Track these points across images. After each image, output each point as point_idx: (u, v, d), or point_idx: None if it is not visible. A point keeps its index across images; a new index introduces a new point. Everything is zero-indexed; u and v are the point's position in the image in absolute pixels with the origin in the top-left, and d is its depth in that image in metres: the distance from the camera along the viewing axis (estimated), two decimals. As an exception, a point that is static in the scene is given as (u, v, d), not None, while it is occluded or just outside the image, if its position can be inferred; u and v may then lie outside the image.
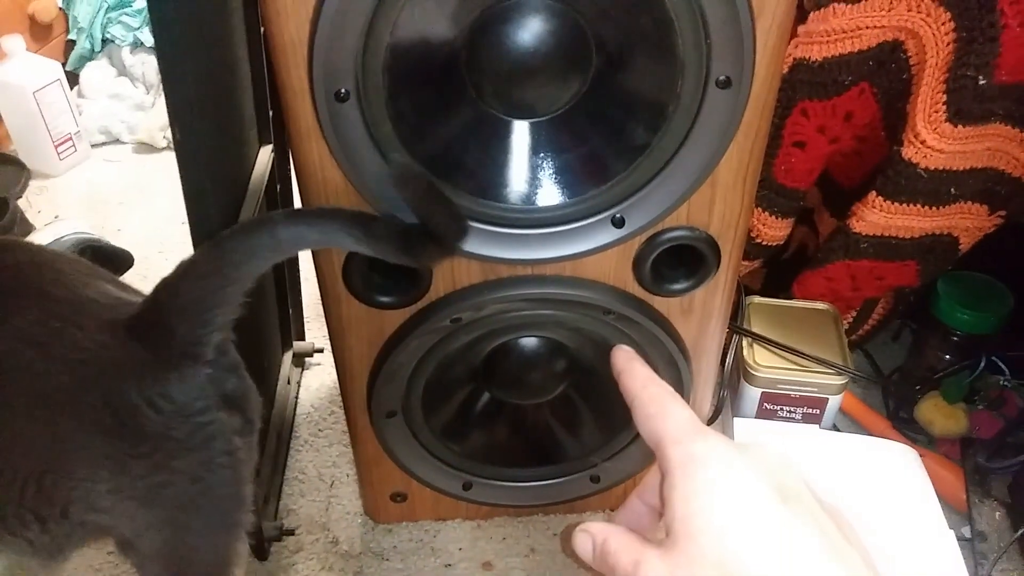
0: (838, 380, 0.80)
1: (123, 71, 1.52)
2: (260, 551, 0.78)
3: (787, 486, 0.35)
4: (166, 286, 0.50)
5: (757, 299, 0.89)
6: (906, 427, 0.90)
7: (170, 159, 1.41)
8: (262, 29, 0.60)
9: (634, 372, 0.42)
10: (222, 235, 0.49)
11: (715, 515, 0.33)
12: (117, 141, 1.48)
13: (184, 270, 0.50)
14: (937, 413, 0.87)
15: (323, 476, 0.88)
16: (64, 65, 1.46)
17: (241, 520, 0.58)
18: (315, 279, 0.64)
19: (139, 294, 0.57)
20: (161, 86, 1.48)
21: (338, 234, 0.52)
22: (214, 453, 0.53)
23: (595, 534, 0.38)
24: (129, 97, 1.49)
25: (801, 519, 0.33)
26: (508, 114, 0.57)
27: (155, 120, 1.44)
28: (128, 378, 0.49)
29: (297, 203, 0.83)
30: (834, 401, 0.82)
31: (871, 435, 0.85)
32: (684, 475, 0.35)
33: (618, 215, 0.60)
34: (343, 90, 0.52)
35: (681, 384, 0.70)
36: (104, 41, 1.51)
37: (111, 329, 0.51)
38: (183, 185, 0.55)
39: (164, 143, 1.44)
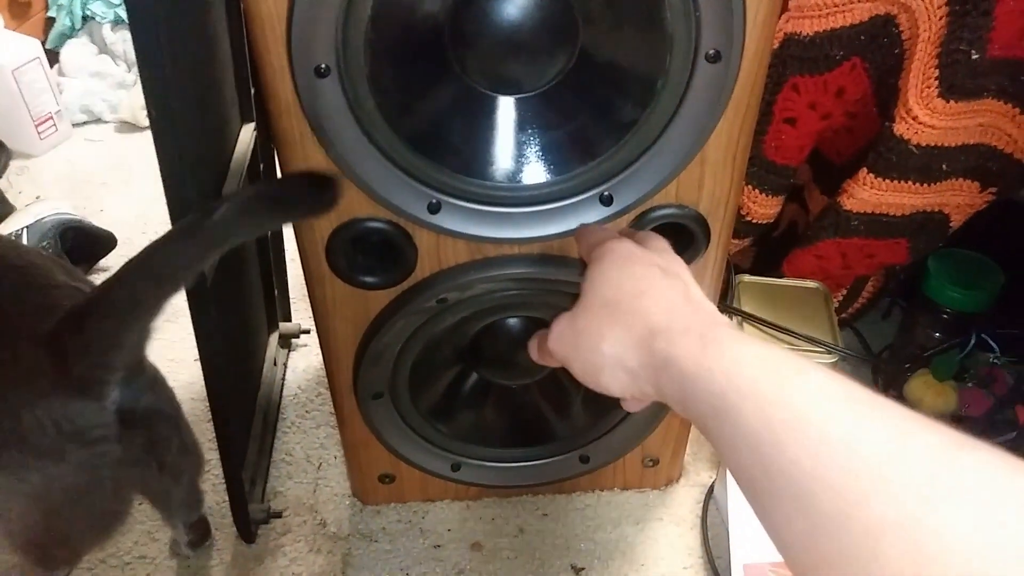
0: (828, 359, 0.80)
1: (104, 49, 1.49)
2: (247, 534, 0.77)
3: (668, 265, 0.48)
4: (72, 317, 0.52)
5: (747, 278, 0.89)
6: (895, 405, 0.89)
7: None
8: (241, 3, 0.58)
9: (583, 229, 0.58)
10: (131, 264, 0.53)
11: (604, 270, 0.48)
12: (99, 120, 1.46)
13: (93, 301, 0.52)
14: (927, 391, 0.87)
15: (310, 458, 0.87)
16: (44, 43, 1.43)
17: (113, 528, 0.62)
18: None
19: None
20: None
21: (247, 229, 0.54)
22: (103, 477, 0.56)
23: (539, 333, 0.54)
24: (110, 75, 1.47)
25: (671, 279, 0.46)
26: (493, 90, 0.56)
27: (137, 99, 1.41)
28: (38, 393, 0.51)
29: (281, 182, 0.82)
30: (824, 380, 0.82)
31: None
32: (597, 258, 0.49)
33: (606, 193, 0.59)
34: (323, 65, 0.51)
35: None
36: (84, 18, 1.48)
37: (35, 340, 0.52)
38: (160, 164, 0.54)
39: (146, 122, 1.42)
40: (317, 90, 0.52)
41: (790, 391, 0.33)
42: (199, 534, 0.78)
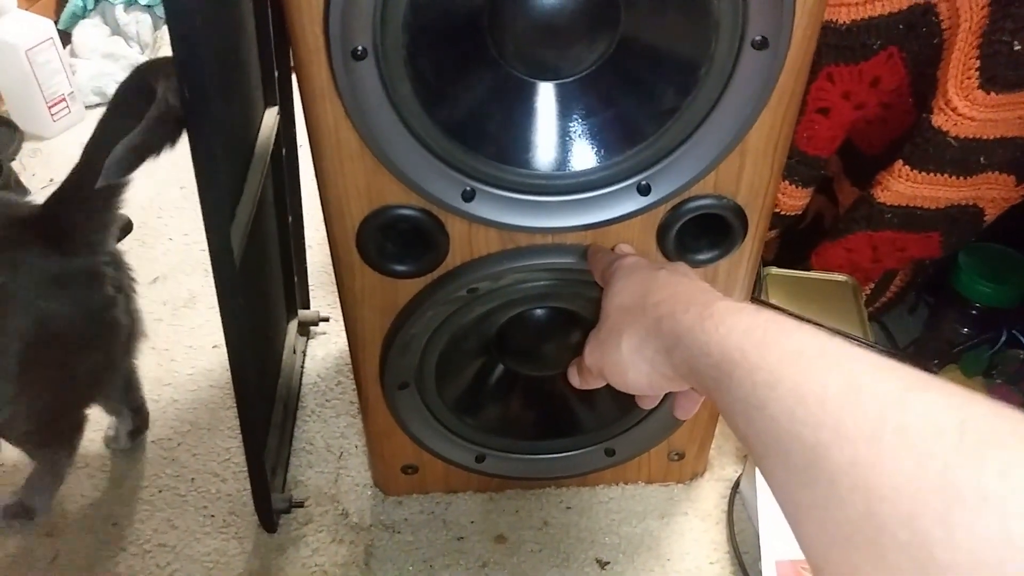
0: (858, 353, 0.79)
1: (117, 30, 1.47)
2: (269, 523, 0.77)
3: (675, 267, 0.52)
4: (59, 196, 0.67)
5: (775, 270, 0.87)
6: (922, 401, 0.88)
7: (167, 122, 1.39)
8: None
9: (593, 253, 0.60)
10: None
11: (616, 284, 0.52)
12: (112, 103, 1.44)
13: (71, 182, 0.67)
14: (955, 387, 0.85)
15: (331, 447, 0.86)
16: (56, 23, 1.42)
17: (106, 379, 0.76)
18: (319, 246, 0.62)
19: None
20: (155, 46, 1.44)
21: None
22: (92, 312, 0.70)
23: (575, 360, 0.56)
24: (123, 57, 1.45)
25: (677, 276, 0.49)
26: (531, 75, 0.54)
27: (151, 81, 1.40)
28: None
29: (304, 168, 0.81)
30: (853, 374, 0.80)
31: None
32: (609, 277, 0.53)
33: (644, 182, 0.58)
34: (360, 48, 0.49)
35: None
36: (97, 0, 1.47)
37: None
38: (192, 147, 0.53)
39: (161, 105, 1.41)
40: (353, 73, 0.50)
41: (770, 354, 0.35)
42: (140, 422, 0.86)
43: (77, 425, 0.78)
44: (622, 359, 0.48)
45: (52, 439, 0.76)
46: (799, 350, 0.34)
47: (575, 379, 0.56)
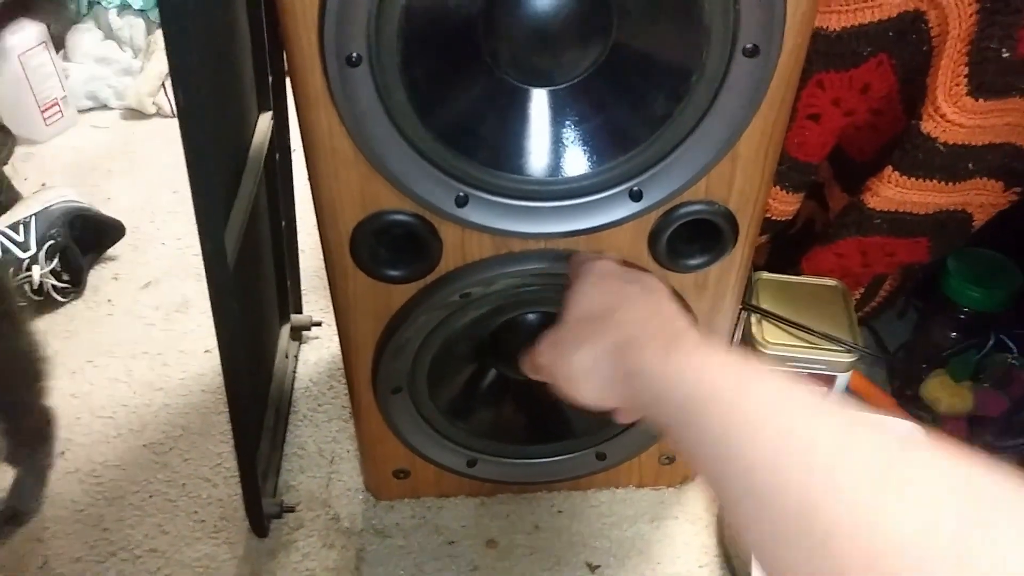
0: (848, 357, 0.79)
1: (110, 34, 1.47)
2: (260, 528, 0.77)
3: (646, 282, 0.52)
4: None
5: (765, 275, 0.88)
6: (911, 405, 0.89)
7: (159, 126, 1.39)
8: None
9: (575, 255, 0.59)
10: None
11: (583, 286, 0.51)
12: (104, 107, 1.44)
13: None
14: (943, 391, 0.86)
15: (323, 452, 0.86)
16: (49, 28, 1.41)
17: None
18: (312, 251, 0.62)
19: None
20: (149, 50, 1.44)
21: None
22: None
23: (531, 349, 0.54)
24: (116, 61, 1.45)
25: (647, 295, 0.49)
26: (524, 82, 0.55)
27: (144, 86, 1.40)
28: None
29: (297, 173, 0.81)
30: (842, 378, 0.81)
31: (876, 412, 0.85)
32: (578, 275, 0.53)
33: (636, 188, 0.58)
34: (355, 54, 0.50)
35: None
36: (90, 3, 1.46)
37: None
38: (186, 152, 0.53)
39: (153, 109, 1.41)
40: (347, 79, 0.51)
41: (749, 396, 0.34)
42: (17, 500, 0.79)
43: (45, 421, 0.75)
44: (575, 371, 0.48)
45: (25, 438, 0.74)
46: (780, 395, 0.33)
47: (527, 367, 0.56)
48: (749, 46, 0.52)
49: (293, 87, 0.53)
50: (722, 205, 0.60)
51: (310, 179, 0.57)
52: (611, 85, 0.55)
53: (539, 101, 0.55)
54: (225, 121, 0.64)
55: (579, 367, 0.47)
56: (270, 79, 0.77)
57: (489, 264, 0.61)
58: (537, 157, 0.57)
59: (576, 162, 0.57)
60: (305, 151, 0.56)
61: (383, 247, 0.61)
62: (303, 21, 0.49)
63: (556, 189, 0.58)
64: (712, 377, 0.37)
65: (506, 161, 0.56)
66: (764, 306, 0.84)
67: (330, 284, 0.64)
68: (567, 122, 0.56)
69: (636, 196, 0.59)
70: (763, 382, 0.35)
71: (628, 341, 0.45)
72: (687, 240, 0.63)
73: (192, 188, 0.54)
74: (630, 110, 0.56)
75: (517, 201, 0.58)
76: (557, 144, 0.57)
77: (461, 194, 0.57)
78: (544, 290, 0.64)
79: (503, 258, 0.61)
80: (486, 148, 0.56)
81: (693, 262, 0.64)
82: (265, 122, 0.78)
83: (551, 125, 0.56)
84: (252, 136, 0.74)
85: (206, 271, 0.59)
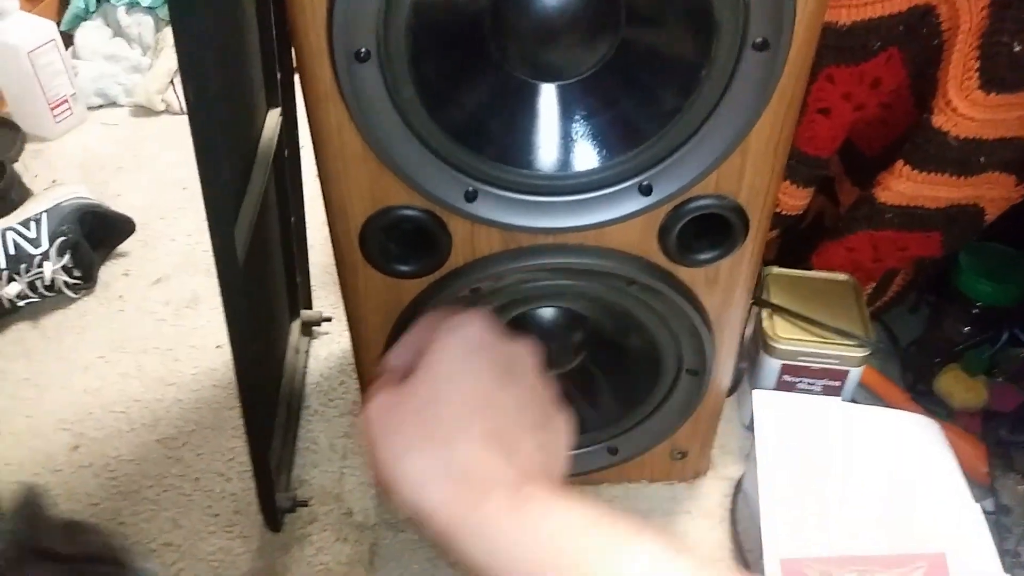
0: (860, 352, 0.79)
1: (119, 31, 1.48)
2: (274, 522, 0.77)
3: (514, 361, 0.48)
4: None
5: (776, 270, 0.88)
6: (924, 400, 0.89)
7: (168, 123, 1.39)
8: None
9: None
10: None
11: (445, 353, 0.46)
12: (113, 104, 1.45)
13: None
14: (957, 385, 0.86)
15: (335, 446, 0.87)
16: (58, 25, 1.42)
17: None
18: (321, 246, 0.62)
19: None
20: (157, 48, 1.45)
21: None
22: None
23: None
24: (125, 58, 1.45)
25: (508, 389, 0.45)
26: (533, 77, 0.54)
27: (152, 83, 1.40)
28: None
29: (306, 169, 0.81)
30: (855, 373, 0.81)
31: (890, 407, 0.84)
32: (446, 330, 0.48)
33: (645, 182, 0.58)
34: (363, 50, 0.50)
35: (704, 355, 0.68)
36: (99, 1, 1.47)
37: None
38: (196, 149, 0.53)
39: (162, 107, 1.41)
40: (356, 75, 0.51)
41: (620, 565, 0.32)
42: None
43: None
44: (398, 475, 0.41)
45: None
46: (654, 564, 0.32)
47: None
48: (759, 40, 0.51)
49: (302, 83, 0.53)
50: (732, 199, 0.60)
51: (319, 175, 0.57)
52: (620, 80, 0.55)
53: (548, 96, 0.55)
54: (234, 118, 0.64)
55: (404, 468, 0.41)
56: (279, 75, 0.77)
57: (498, 259, 0.61)
58: (546, 152, 0.57)
59: (585, 157, 0.57)
60: (314, 147, 0.56)
61: (392, 242, 0.61)
62: (312, 17, 0.49)
63: (565, 184, 0.58)
64: (573, 541, 0.33)
65: (515, 156, 0.56)
66: (775, 301, 0.84)
67: (340, 279, 0.64)
68: (576, 117, 0.56)
69: (646, 191, 0.58)
70: (632, 548, 0.32)
71: (470, 471, 0.39)
72: (697, 235, 0.63)
73: (202, 184, 0.54)
74: (639, 104, 0.56)
75: (526, 196, 0.58)
76: (566, 139, 0.56)
77: (470, 189, 0.57)
78: (554, 285, 0.64)
79: (512, 253, 0.61)
80: (495, 143, 0.56)
81: (703, 257, 0.63)
82: (274, 118, 0.78)
83: (560, 120, 0.56)
84: (261, 132, 0.75)
85: (216, 267, 0.59)
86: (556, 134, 0.56)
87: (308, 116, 0.55)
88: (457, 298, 0.63)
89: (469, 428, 0.42)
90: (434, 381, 0.45)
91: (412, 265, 0.62)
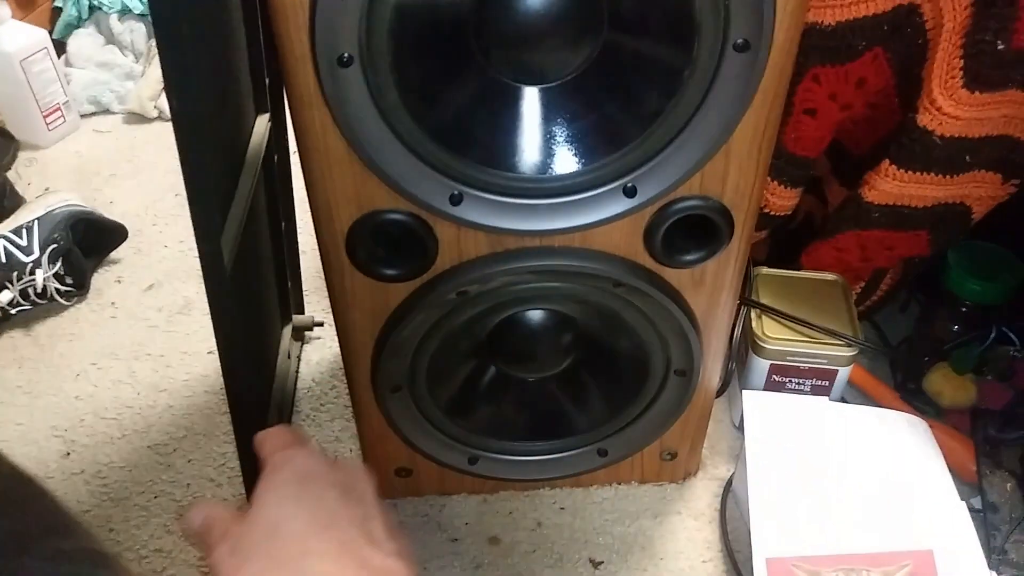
0: (848, 351, 0.79)
1: (111, 39, 1.48)
2: (263, 528, 0.77)
3: (351, 486, 0.48)
4: None
5: (765, 270, 0.88)
6: (914, 398, 0.89)
7: (161, 130, 1.40)
8: (259, -9, 0.58)
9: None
10: None
11: (280, 487, 0.46)
12: (106, 111, 1.45)
13: None
14: (946, 384, 0.86)
15: (326, 451, 0.87)
16: (51, 33, 1.42)
17: None
18: (313, 251, 0.62)
19: None
20: (150, 55, 1.45)
21: None
22: None
23: (204, 508, 0.47)
24: (118, 66, 1.46)
25: (351, 509, 0.45)
26: (517, 80, 0.55)
27: (145, 90, 1.40)
28: None
29: (296, 174, 0.81)
30: (843, 372, 0.81)
31: (879, 406, 0.85)
32: (276, 466, 0.48)
33: (630, 184, 0.58)
34: (346, 55, 0.50)
35: (691, 356, 0.68)
36: (91, 8, 1.47)
37: None
38: (180, 156, 0.53)
39: (155, 113, 1.41)
40: (339, 80, 0.51)
41: None
42: None
43: None
44: None
45: None
46: None
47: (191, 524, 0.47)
48: (740, 41, 0.52)
49: (286, 88, 0.53)
50: (717, 200, 0.60)
51: (305, 179, 0.57)
52: (603, 82, 0.55)
53: (531, 99, 0.56)
54: (221, 124, 0.64)
55: None
56: (267, 81, 0.78)
57: (485, 262, 0.62)
58: (530, 154, 0.57)
59: (569, 159, 0.57)
60: (299, 151, 0.56)
61: (379, 246, 0.61)
62: (294, 22, 0.49)
63: (550, 186, 0.58)
64: None
65: (500, 159, 0.57)
66: (764, 301, 0.84)
67: (327, 283, 0.64)
68: (560, 119, 0.56)
69: (630, 192, 0.59)
70: None
71: None
72: (683, 236, 0.63)
73: (188, 192, 0.55)
74: (622, 107, 0.56)
75: (511, 199, 0.58)
76: (550, 141, 0.57)
77: (455, 192, 0.57)
78: (541, 287, 0.65)
79: (499, 256, 0.62)
80: (479, 146, 0.56)
81: (689, 258, 0.64)
82: (263, 124, 0.78)
83: (544, 122, 0.56)
84: (250, 138, 0.75)
85: (203, 273, 0.59)
86: (540, 137, 0.57)
87: (292, 121, 0.55)
88: (444, 301, 0.63)
89: (319, 544, 0.42)
90: (277, 507, 0.44)
91: (399, 268, 0.62)
